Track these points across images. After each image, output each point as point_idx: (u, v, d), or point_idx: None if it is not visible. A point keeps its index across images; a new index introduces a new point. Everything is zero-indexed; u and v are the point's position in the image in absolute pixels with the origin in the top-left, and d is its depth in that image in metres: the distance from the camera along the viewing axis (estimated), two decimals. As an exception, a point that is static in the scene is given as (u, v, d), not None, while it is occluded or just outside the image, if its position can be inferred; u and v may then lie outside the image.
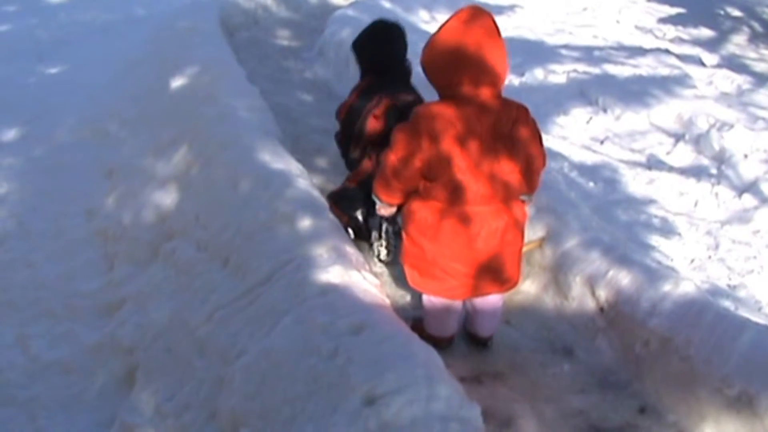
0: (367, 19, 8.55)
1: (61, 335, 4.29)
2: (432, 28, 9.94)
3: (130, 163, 5.76)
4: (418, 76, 4.10)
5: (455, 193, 3.47)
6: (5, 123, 6.79)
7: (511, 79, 8.18)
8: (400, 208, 3.77)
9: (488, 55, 3.36)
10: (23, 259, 4.95)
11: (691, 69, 8.88)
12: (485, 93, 3.41)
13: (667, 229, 5.42)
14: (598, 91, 7.80)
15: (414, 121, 3.48)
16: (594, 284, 3.96)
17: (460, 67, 3.37)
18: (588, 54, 9.29)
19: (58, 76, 8.17)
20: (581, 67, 8.56)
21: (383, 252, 4.53)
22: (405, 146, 3.47)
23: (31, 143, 6.45)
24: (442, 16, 10.41)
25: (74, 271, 4.83)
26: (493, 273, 3.61)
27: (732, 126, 6.78)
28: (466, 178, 3.43)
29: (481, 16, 3.37)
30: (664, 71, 8.65)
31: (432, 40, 3.46)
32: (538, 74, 8.32)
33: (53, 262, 4.92)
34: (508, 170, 3.50)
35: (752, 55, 10.17)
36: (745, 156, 6.35)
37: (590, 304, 3.98)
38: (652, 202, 5.79)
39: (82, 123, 6.76)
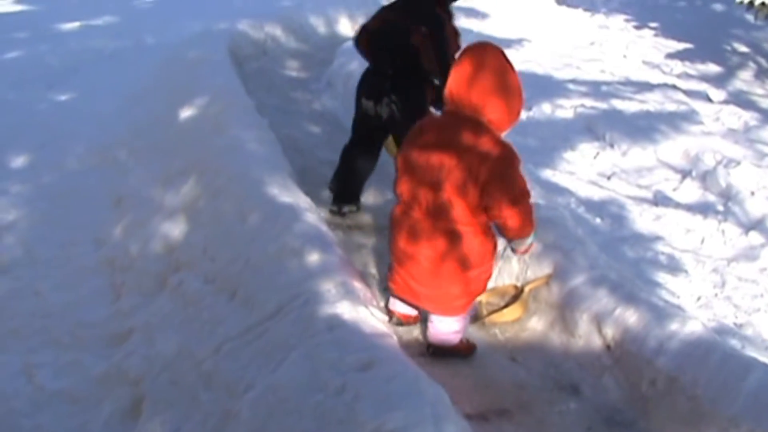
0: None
1: (68, 365, 4.27)
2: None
3: (139, 193, 5.77)
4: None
5: (405, 201, 3.95)
6: (14, 149, 6.81)
7: (519, 113, 8.21)
8: None
9: (472, 86, 3.74)
10: (30, 287, 4.94)
11: (698, 105, 8.91)
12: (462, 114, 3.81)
13: (673, 267, 5.42)
14: (606, 126, 7.82)
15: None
16: (601, 322, 3.96)
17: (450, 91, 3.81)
18: (595, 89, 9.32)
19: (67, 103, 8.19)
20: (588, 102, 8.59)
21: None
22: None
23: (39, 170, 6.46)
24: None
25: (81, 300, 4.81)
26: (422, 287, 4.00)
27: (739, 163, 6.80)
28: (416, 190, 3.86)
29: (484, 50, 3.81)
30: (671, 107, 8.68)
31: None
32: (545, 109, 8.35)
33: (60, 291, 4.91)
34: (456, 197, 3.76)
35: (759, 91, 10.20)
36: (752, 193, 6.36)
37: (597, 342, 3.98)
38: (658, 238, 5.80)
39: (91, 151, 6.77)
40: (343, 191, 5.41)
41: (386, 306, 4.31)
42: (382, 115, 5.01)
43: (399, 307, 4.25)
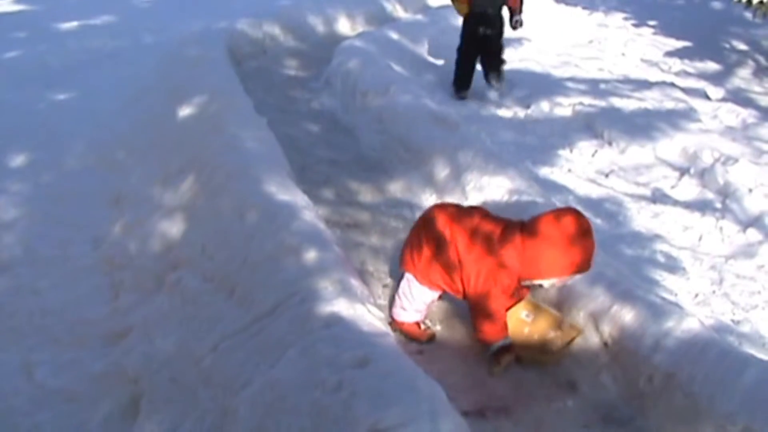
0: (374, 50, 8.64)
1: (67, 363, 4.27)
2: (437, 60, 9.91)
3: (138, 191, 5.78)
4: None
5: None
6: (14, 149, 6.81)
7: (516, 112, 8.22)
8: None
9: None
10: (30, 285, 4.94)
11: (696, 102, 8.90)
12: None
13: (671, 264, 5.41)
14: (604, 124, 7.81)
15: None
16: (598, 319, 3.97)
17: None
18: (594, 87, 9.32)
19: (66, 103, 8.19)
20: (587, 100, 8.58)
21: None
22: None
23: (39, 169, 6.46)
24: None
25: (80, 298, 4.82)
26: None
27: (737, 160, 6.79)
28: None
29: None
30: (670, 105, 8.67)
31: None
32: (544, 107, 8.34)
33: (59, 289, 4.91)
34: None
35: (757, 89, 10.18)
36: (750, 190, 6.35)
37: (594, 339, 3.99)
38: (656, 236, 5.79)
39: (90, 150, 6.78)
40: (467, 82, 8.85)
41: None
42: (487, 34, 8.63)
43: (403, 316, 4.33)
